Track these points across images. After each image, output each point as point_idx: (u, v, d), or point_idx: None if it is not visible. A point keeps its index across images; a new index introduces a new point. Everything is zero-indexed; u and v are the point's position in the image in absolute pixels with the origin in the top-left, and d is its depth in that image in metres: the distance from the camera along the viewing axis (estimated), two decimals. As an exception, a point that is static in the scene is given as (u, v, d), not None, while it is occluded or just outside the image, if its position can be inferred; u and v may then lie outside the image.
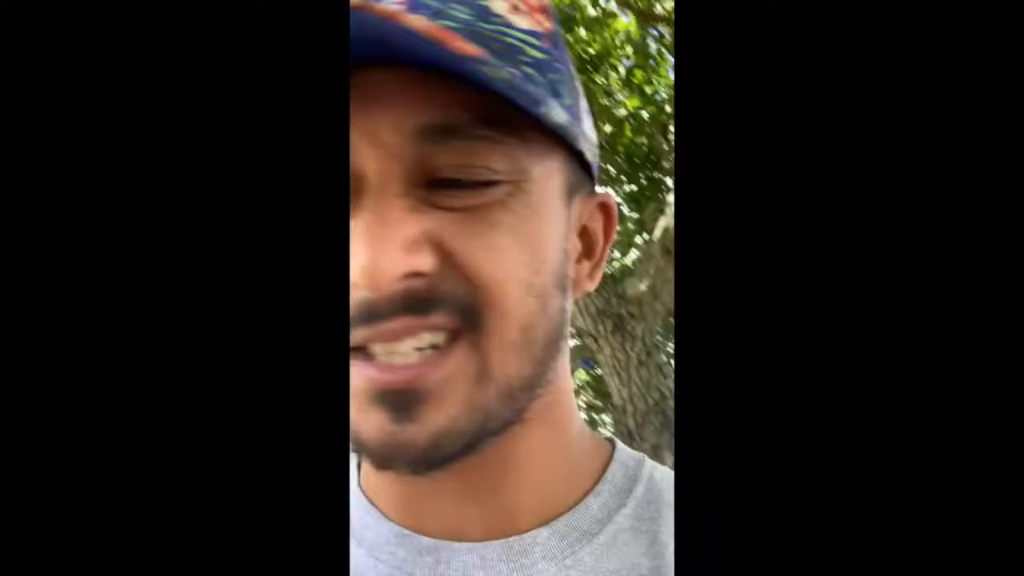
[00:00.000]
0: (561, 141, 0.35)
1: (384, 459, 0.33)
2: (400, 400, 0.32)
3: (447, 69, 0.29)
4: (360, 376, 0.33)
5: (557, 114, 0.33)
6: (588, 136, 0.36)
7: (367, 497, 0.41)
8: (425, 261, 0.31)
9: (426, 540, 0.38)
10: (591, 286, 0.39)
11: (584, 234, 0.39)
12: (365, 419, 0.33)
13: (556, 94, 0.34)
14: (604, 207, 0.40)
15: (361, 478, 0.42)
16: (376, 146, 0.31)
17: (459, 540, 0.38)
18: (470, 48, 0.29)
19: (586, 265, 0.39)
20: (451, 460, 0.33)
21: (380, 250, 0.31)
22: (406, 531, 0.38)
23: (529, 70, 0.33)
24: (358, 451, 0.34)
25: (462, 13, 0.32)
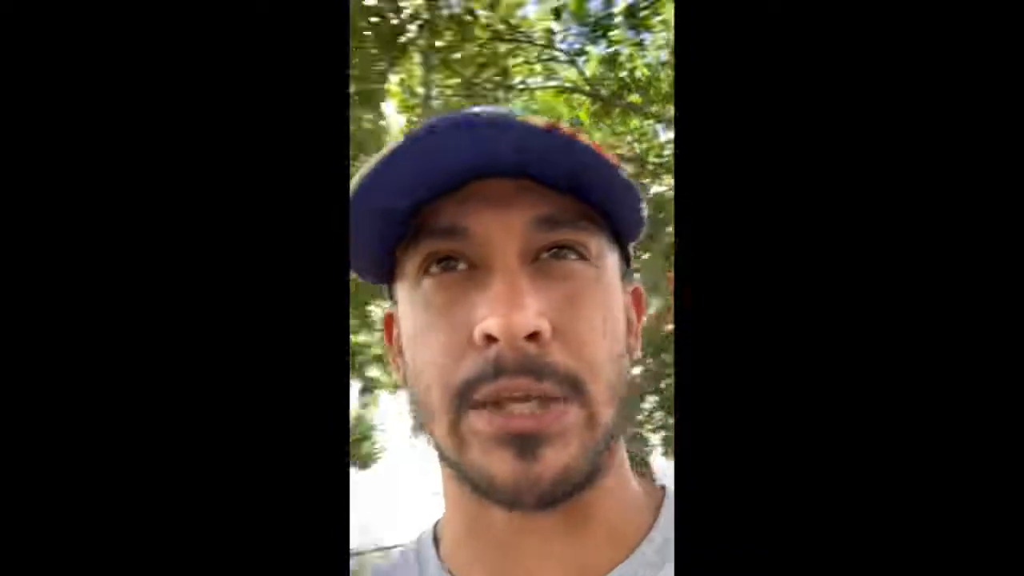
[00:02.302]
0: (618, 239, 0.44)
1: (513, 495, 0.38)
2: (525, 443, 0.37)
3: (581, 161, 0.39)
4: (489, 422, 0.38)
5: (630, 212, 0.43)
6: (638, 230, 0.45)
7: (449, 571, 0.44)
8: (545, 326, 0.38)
9: None
10: (637, 353, 0.47)
11: (626, 313, 0.46)
12: (492, 460, 0.38)
13: (632, 190, 0.43)
14: (636, 294, 0.48)
15: (441, 552, 0.46)
16: (504, 229, 0.39)
17: None
18: (595, 145, 0.39)
19: (631, 338, 0.46)
20: (567, 497, 0.38)
21: (515, 311, 0.37)
22: None
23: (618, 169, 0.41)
24: (484, 492, 0.39)
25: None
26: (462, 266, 0.40)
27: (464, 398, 0.38)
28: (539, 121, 0.38)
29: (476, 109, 0.41)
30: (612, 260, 0.43)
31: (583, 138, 0.39)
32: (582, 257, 0.41)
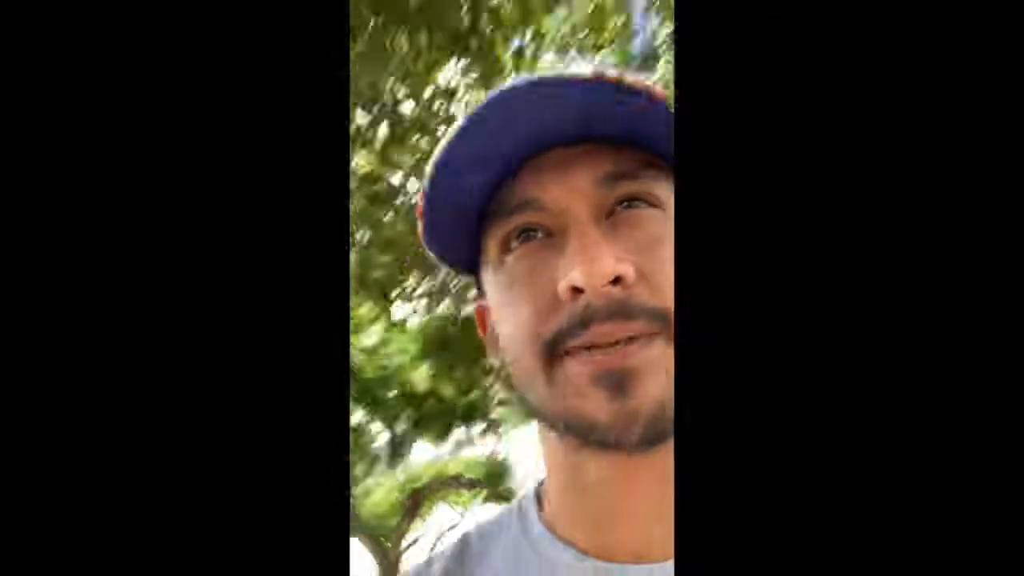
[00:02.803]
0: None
1: (614, 435, 0.38)
2: (617, 380, 0.38)
3: (635, 107, 0.41)
4: (582, 365, 0.39)
5: None
6: None
7: (552, 530, 0.45)
8: (628, 270, 0.39)
9: (601, 564, 0.42)
10: None
11: None
12: (588, 403, 0.39)
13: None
14: None
15: (545, 513, 0.47)
16: (572, 192, 0.41)
17: (638, 562, 0.41)
18: (642, 85, 0.41)
19: None
20: (667, 436, 0.38)
21: (595, 261, 0.38)
22: (583, 555, 0.43)
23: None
24: (585, 437, 0.39)
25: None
26: (539, 234, 0.42)
27: (556, 350, 0.40)
28: (587, 72, 0.39)
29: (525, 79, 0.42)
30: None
31: (631, 80, 0.40)
32: (651, 205, 0.42)
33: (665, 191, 0.43)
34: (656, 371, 0.38)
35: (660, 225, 0.42)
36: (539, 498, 0.48)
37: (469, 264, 0.48)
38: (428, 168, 0.42)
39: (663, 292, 0.40)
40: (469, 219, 0.45)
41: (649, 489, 0.41)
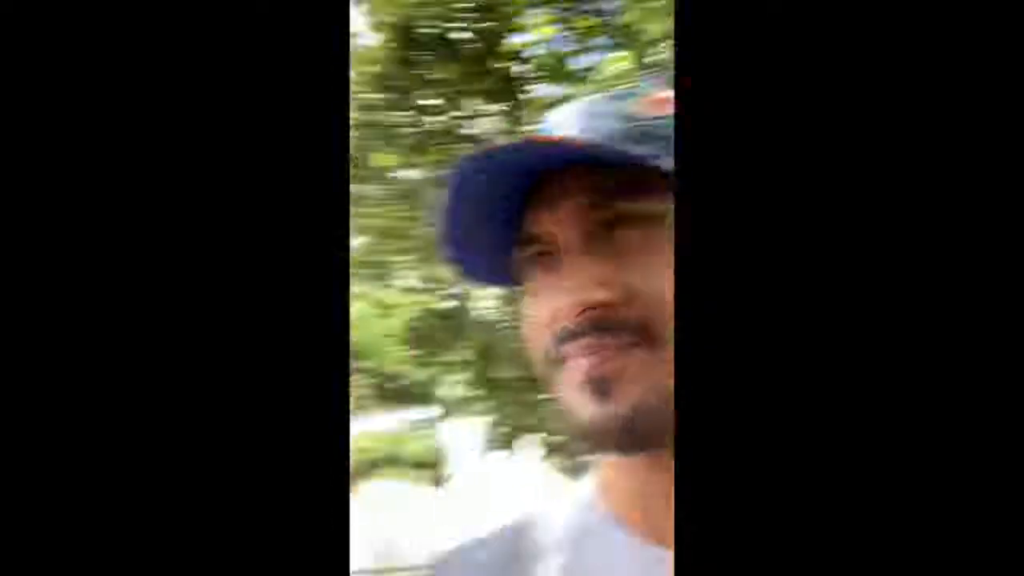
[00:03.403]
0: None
1: (598, 435, 0.42)
2: (599, 386, 0.41)
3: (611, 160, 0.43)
4: (572, 374, 0.43)
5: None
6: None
7: (606, 507, 0.47)
8: (607, 295, 0.42)
9: (658, 550, 0.43)
10: None
11: None
12: (578, 407, 0.43)
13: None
14: None
15: (601, 490, 0.49)
16: (564, 222, 0.44)
17: None
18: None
19: None
20: (649, 442, 0.42)
21: (580, 289, 0.42)
22: (640, 542, 0.45)
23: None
24: (582, 439, 0.43)
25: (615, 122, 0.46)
26: (542, 259, 0.45)
27: (549, 360, 0.44)
28: (549, 139, 0.44)
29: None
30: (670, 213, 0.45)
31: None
32: (633, 224, 0.44)
33: (657, 204, 0.44)
34: (635, 379, 0.41)
35: (653, 238, 0.43)
36: (600, 485, 0.50)
37: (485, 278, 0.53)
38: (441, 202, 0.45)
39: (649, 305, 0.42)
40: (506, 246, 0.48)
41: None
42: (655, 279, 0.42)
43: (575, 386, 0.43)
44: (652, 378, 0.41)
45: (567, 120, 0.48)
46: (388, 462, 7.39)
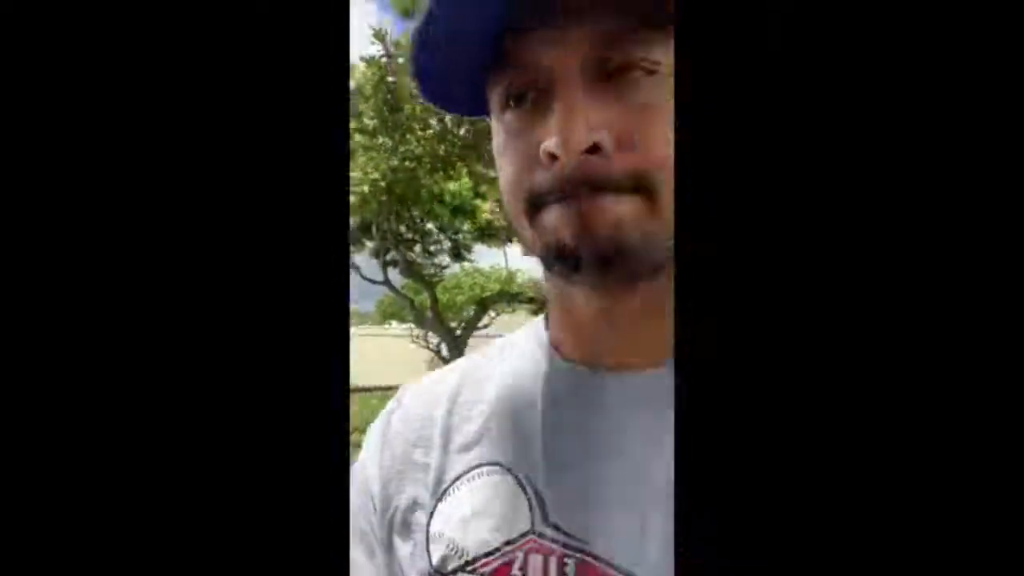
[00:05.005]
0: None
1: (576, 257, 0.42)
2: (586, 222, 0.42)
3: None
4: (556, 212, 0.43)
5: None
6: None
7: (552, 345, 0.52)
8: (605, 138, 0.41)
9: (586, 369, 0.49)
10: None
11: None
12: (561, 233, 0.43)
13: None
14: None
15: (550, 334, 0.53)
16: (563, 52, 0.41)
17: (621, 372, 0.48)
18: None
19: None
20: (630, 274, 0.43)
21: (571, 129, 0.40)
22: (578, 366, 0.50)
23: None
24: (560, 264, 0.44)
25: None
26: (532, 95, 0.43)
27: (536, 206, 0.44)
28: None
29: None
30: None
31: None
32: (647, 71, 0.42)
33: (660, 52, 0.42)
34: (624, 220, 0.41)
35: (651, 91, 0.42)
36: (547, 317, 0.55)
37: (471, 111, 0.50)
38: (422, 13, 0.43)
39: (643, 157, 0.41)
40: (470, 67, 0.45)
41: (625, 318, 0.47)
42: (654, 130, 0.42)
43: (563, 222, 0.43)
44: (643, 226, 0.42)
45: None
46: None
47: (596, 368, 0.49)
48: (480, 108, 0.49)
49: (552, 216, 0.43)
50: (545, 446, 0.48)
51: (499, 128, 0.47)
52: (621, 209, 0.41)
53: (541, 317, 0.57)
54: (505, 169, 0.46)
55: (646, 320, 0.47)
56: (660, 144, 0.41)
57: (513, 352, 0.56)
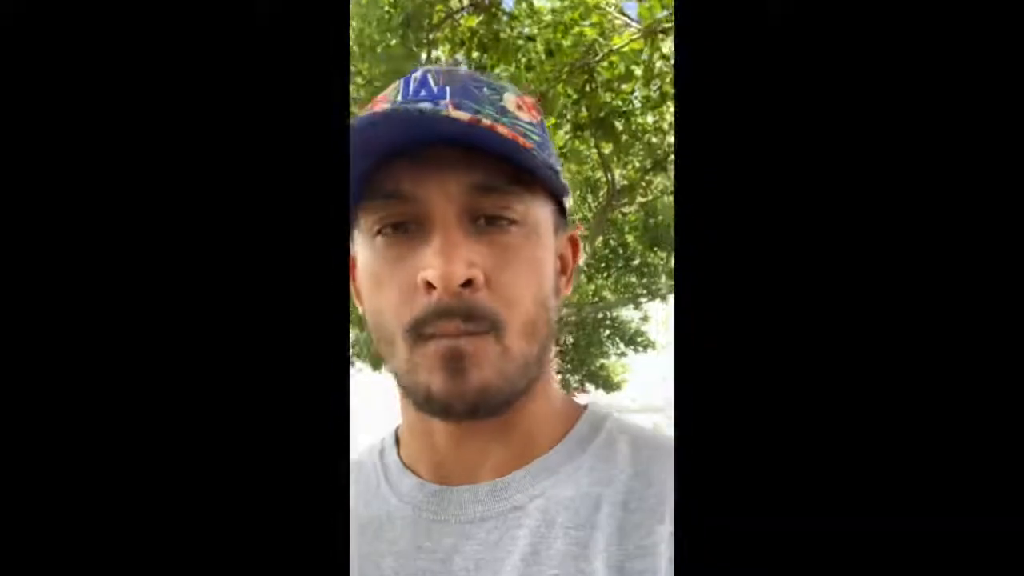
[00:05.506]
0: (552, 195, 0.52)
1: (446, 406, 0.47)
2: (455, 365, 0.46)
3: (495, 149, 0.46)
4: (433, 351, 0.47)
5: (553, 178, 0.50)
6: (567, 191, 0.54)
7: (405, 464, 0.56)
8: (478, 275, 0.46)
9: (436, 486, 0.53)
10: (567, 292, 0.58)
11: (561, 258, 0.56)
12: (433, 379, 0.47)
13: (550, 165, 0.50)
14: (572, 239, 0.58)
15: (401, 452, 0.57)
16: (444, 195, 0.47)
17: (461, 484, 0.52)
18: (510, 133, 0.46)
19: (562, 279, 0.56)
20: (493, 413, 0.48)
21: (451, 263, 0.45)
22: (424, 481, 0.54)
23: (535, 148, 0.48)
24: (427, 406, 0.48)
25: (492, 110, 0.50)
26: (412, 227, 0.48)
27: (414, 333, 0.47)
28: (464, 116, 0.45)
29: (431, 78, 0.50)
30: (543, 215, 0.51)
31: (502, 129, 0.45)
32: (513, 221, 0.48)
33: (525, 205, 0.49)
34: (485, 364, 0.47)
35: (516, 240, 0.48)
36: (397, 437, 0.59)
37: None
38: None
39: (502, 299, 0.47)
40: (353, 195, 0.49)
41: (476, 448, 0.52)
42: (516, 278, 0.48)
43: (435, 360, 0.47)
44: (498, 365, 0.47)
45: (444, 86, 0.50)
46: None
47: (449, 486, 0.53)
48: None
49: (428, 356, 0.47)
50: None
51: (371, 251, 0.50)
52: (479, 349, 0.47)
53: (388, 434, 0.60)
54: (378, 297, 0.50)
55: (494, 444, 0.52)
56: (516, 287, 0.48)
57: (359, 473, 0.58)
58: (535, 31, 4.29)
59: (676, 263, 0.33)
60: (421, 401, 0.48)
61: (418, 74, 0.52)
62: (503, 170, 0.47)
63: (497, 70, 4.15)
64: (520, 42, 4.18)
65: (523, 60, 4.20)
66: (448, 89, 0.50)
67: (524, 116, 0.51)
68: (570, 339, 8.75)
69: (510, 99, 0.52)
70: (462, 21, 4.12)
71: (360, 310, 0.54)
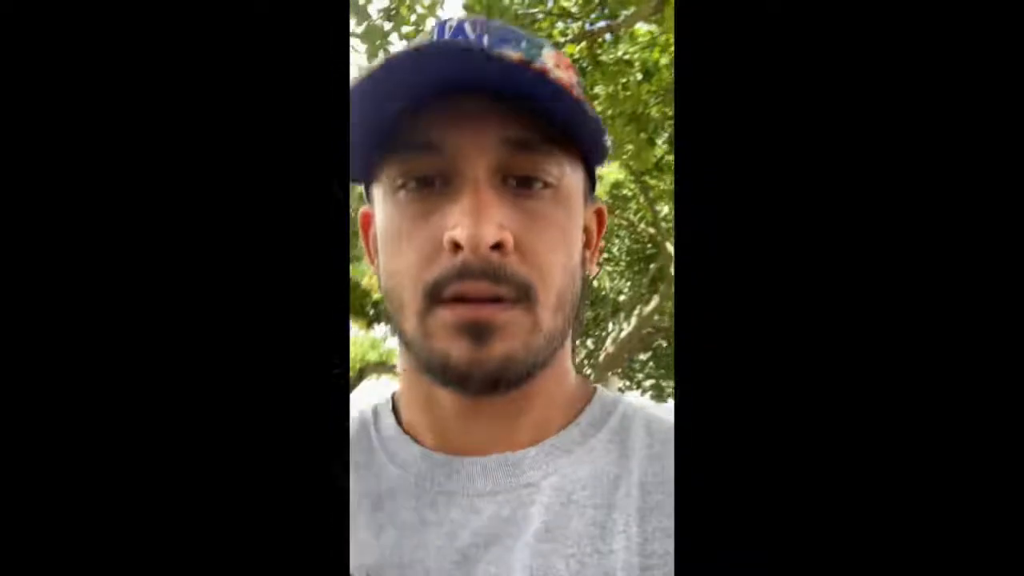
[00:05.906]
0: (584, 160, 0.49)
1: (465, 375, 0.44)
2: (479, 331, 0.43)
3: (544, 95, 0.42)
4: (453, 314, 0.44)
5: (597, 134, 0.46)
6: (607, 152, 0.50)
7: (406, 432, 0.52)
8: (508, 238, 0.43)
9: (442, 456, 0.49)
10: (593, 269, 0.54)
11: (586, 231, 0.52)
12: (452, 346, 0.44)
13: (596, 120, 0.46)
14: (599, 212, 0.54)
15: (401, 419, 0.53)
16: (477, 148, 0.43)
17: (469, 456, 0.49)
18: (563, 79, 0.42)
19: (586, 252, 0.52)
20: (510, 387, 0.45)
21: (481, 224, 0.42)
22: (428, 450, 0.50)
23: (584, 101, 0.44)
24: (441, 375, 0.45)
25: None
26: (438, 182, 0.44)
27: (433, 296, 0.44)
28: (514, 55, 0.41)
29: (470, 26, 0.46)
30: (575, 181, 0.47)
31: (558, 72, 0.43)
32: (546, 184, 0.45)
33: (560, 168, 0.45)
34: (512, 334, 0.43)
35: (548, 205, 0.45)
36: (394, 405, 0.54)
37: (360, 175, 0.50)
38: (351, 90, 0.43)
39: (533, 266, 0.44)
40: (373, 144, 0.46)
41: (487, 425, 0.48)
42: (547, 246, 0.44)
43: (454, 326, 0.43)
44: (525, 338, 0.44)
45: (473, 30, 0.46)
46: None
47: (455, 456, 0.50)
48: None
49: (447, 323, 0.44)
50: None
51: (392, 208, 0.46)
52: (510, 320, 0.43)
53: (382, 401, 0.56)
54: (397, 256, 0.46)
55: (505, 421, 0.49)
56: (547, 254, 0.45)
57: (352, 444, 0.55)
58: (634, 55, 4.30)
59: (676, 263, 0.33)
60: (436, 370, 0.45)
61: (453, 21, 0.47)
62: (539, 126, 0.44)
63: (596, 89, 4.16)
64: (615, 67, 4.19)
65: (621, 81, 4.21)
66: (486, 38, 0.46)
67: (563, 74, 0.47)
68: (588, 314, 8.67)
69: (549, 55, 0.48)
70: (565, 49, 4.18)
71: (371, 270, 0.52)
